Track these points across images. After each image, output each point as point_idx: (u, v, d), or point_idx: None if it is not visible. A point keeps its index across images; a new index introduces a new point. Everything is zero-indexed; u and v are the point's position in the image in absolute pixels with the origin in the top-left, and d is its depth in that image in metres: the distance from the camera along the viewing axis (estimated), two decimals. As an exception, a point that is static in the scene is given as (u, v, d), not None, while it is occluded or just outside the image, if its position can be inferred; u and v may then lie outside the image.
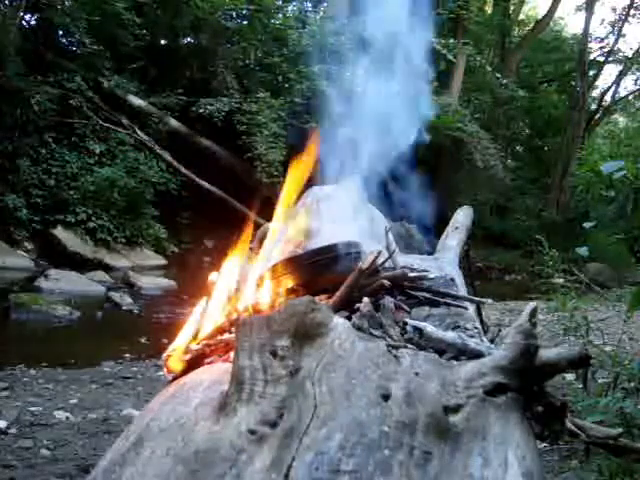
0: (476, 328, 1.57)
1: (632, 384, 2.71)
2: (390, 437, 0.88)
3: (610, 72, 28.28)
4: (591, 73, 18.27)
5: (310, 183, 2.25)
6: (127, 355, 4.93)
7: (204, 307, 1.75)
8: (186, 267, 11.39)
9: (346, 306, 1.52)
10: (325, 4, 14.90)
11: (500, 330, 1.98)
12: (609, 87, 19.65)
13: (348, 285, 1.57)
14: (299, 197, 2.41)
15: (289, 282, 1.74)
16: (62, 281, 7.75)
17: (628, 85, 27.70)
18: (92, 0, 11.42)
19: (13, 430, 2.96)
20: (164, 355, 1.62)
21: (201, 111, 11.81)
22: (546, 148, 20.12)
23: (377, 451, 0.85)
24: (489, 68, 16.03)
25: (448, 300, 1.72)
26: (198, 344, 1.57)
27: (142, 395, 3.70)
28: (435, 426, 0.92)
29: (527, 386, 1.06)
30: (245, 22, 13.39)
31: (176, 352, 1.58)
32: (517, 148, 20.78)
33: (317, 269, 1.74)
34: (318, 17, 13.94)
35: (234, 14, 13.26)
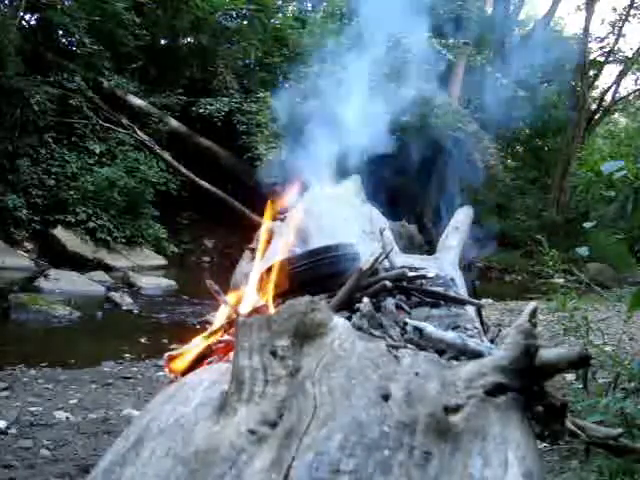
0: (476, 328, 1.57)
1: (632, 384, 2.71)
2: (390, 437, 0.88)
3: (610, 72, 28.28)
4: (591, 73, 18.27)
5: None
6: (127, 355, 4.92)
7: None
8: (186, 267, 11.41)
9: (347, 306, 1.52)
10: (325, 4, 14.90)
11: (500, 330, 1.97)
12: (609, 87, 19.64)
13: (349, 285, 1.57)
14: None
15: (285, 283, 1.74)
16: (62, 281, 7.75)
17: (628, 85, 27.70)
18: (92, 0, 11.42)
19: (13, 430, 2.95)
20: (165, 355, 1.62)
21: (201, 111, 11.83)
22: (546, 148, 20.11)
23: (377, 451, 0.85)
24: (489, 68, 16.02)
25: (448, 300, 1.72)
26: (198, 345, 1.57)
27: (142, 395, 3.69)
28: (435, 426, 0.92)
29: (527, 386, 1.06)
30: (245, 22, 13.40)
31: (177, 353, 1.58)
32: (517, 148, 20.76)
33: (312, 270, 1.74)
34: (318, 17, 13.94)
35: (234, 14, 13.28)
